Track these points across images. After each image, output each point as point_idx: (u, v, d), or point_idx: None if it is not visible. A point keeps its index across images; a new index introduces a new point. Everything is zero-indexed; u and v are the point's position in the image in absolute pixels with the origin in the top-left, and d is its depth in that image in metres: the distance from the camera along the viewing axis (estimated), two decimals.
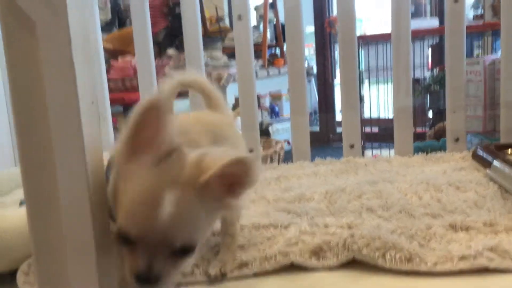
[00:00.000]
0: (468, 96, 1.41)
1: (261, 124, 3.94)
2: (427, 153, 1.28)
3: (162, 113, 0.47)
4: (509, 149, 1.12)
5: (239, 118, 1.40)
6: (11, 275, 0.65)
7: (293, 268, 0.70)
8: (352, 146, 1.33)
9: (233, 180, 0.49)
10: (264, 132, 3.63)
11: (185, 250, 0.49)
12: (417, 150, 1.32)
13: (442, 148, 1.35)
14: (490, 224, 0.79)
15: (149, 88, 1.42)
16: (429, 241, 0.75)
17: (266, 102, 4.17)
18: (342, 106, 1.35)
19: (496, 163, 1.02)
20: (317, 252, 0.72)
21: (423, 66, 2.89)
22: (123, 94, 2.58)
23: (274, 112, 4.17)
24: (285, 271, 0.70)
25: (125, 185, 0.48)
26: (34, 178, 0.48)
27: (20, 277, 0.64)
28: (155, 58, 2.85)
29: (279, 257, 0.71)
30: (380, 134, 2.96)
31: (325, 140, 3.58)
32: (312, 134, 3.98)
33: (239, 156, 0.49)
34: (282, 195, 1.02)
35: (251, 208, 0.95)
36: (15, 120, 0.48)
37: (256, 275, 0.69)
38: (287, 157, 1.41)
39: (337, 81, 3.96)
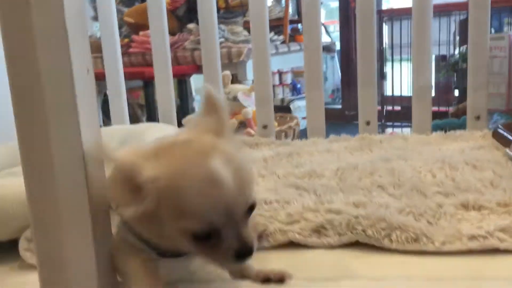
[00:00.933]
0: (491, 72, 1.36)
1: (282, 100, 3.91)
2: (446, 131, 1.25)
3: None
4: None
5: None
6: (10, 244, 0.66)
7: (293, 244, 0.69)
8: (368, 123, 1.30)
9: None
10: (286, 109, 3.60)
11: (252, 207, 0.50)
12: (435, 128, 1.29)
13: (463, 126, 1.31)
14: (504, 204, 0.76)
15: (164, 64, 1.41)
16: (439, 220, 0.73)
17: (288, 79, 4.12)
18: (359, 82, 1.31)
19: None
20: (319, 230, 0.71)
21: (449, 43, 2.79)
22: (143, 69, 2.59)
23: (295, 89, 4.13)
24: (285, 247, 0.69)
25: (180, 199, 0.47)
26: (29, 148, 0.48)
27: (22, 243, 0.65)
28: (175, 33, 2.86)
29: (278, 235, 0.70)
30: (402, 112, 2.90)
31: (346, 118, 3.53)
32: (334, 111, 3.93)
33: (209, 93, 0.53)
34: (292, 171, 1.00)
35: (260, 184, 0.95)
36: (10, 88, 0.47)
37: None
38: (303, 134, 1.39)
39: None
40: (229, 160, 0.48)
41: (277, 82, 4.07)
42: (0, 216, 0.64)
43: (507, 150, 1.00)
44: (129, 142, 1.17)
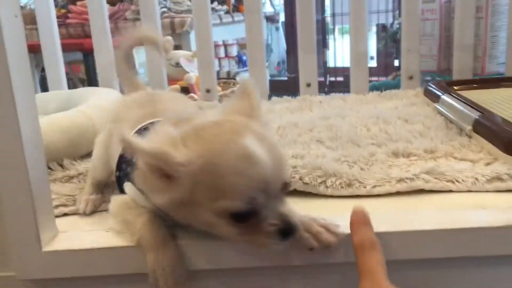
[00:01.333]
0: (423, 35, 1.42)
1: (228, 73, 3.90)
2: (382, 91, 1.30)
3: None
4: (457, 86, 1.15)
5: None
6: None
7: None
8: (308, 85, 1.33)
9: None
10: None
11: (286, 185, 0.49)
12: (372, 89, 1.34)
13: (398, 86, 1.37)
14: (430, 151, 0.82)
15: (102, 34, 1.37)
16: (371, 167, 0.77)
17: (234, 51, 4.10)
18: (299, 46, 1.34)
19: (444, 97, 1.05)
20: None
21: (388, 12, 2.87)
22: (82, 40, 2.50)
23: (241, 62, 4.12)
24: None
25: (217, 179, 0.45)
26: None
27: None
28: (115, 3, 2.77)
29: None
30: (344, 82, 2.98)
31: (292, 90, 3.57)
32: (281, 82, 3.94)
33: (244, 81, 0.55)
34: None
35: None
36: None
37: None
38: None
39: None
40: (262, 139, 0.48)
41: (222, 54, 4.04)
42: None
43: (436, 105, 1.06)
44: (68, 106, 1.15)
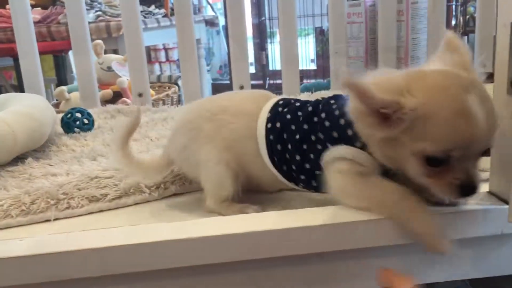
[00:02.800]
0: (351, 37, 1.47)
1: (170, 77, 3.86)
2: (313, 92, 1.34)
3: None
4: None
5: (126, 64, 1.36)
6: None
7: None
8: (241, 87, 1.35)
9: None
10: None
11: (489, 149, 0.52)
12: (304, 89, 1.37)
13: (328, 87, 1.41)
14: None
15: (27, 38, 1.33)
16: None
17: (175, 55, 4.07)
18: (230, 51, 1.36)
19: None
20: None
21: (323, 16, 2.96)
22: (13, 45, 2.40)
23: None
24: None
25: (430, 124, 0.48)
26: None
27: None
28: (47, 7, 2.68)
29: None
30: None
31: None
32: (223, 86, 3.94)
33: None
34: (166, 133, 1.02)
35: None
36: None
37: None
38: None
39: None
40: (484, 100, 0.49)
41: (163, 59, 4.00)
42: None
43: None
44: None
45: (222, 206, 0.66)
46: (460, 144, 0.48)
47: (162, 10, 2.83)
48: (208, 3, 3.91)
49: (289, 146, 0.61)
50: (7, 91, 3.21)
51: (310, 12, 2.98)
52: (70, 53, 2.91)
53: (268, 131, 0.63)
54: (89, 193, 0.71)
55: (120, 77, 1.61)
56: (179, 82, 3.68)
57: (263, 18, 3.27)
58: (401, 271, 0.48)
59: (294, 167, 0.62)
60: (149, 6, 2.80)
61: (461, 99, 0.48)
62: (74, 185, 0.72)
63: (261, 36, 3.24)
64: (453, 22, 2.80)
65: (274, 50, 3.04)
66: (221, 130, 0.65)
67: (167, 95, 1.48)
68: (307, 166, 0.60)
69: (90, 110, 1.16)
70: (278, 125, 0.63)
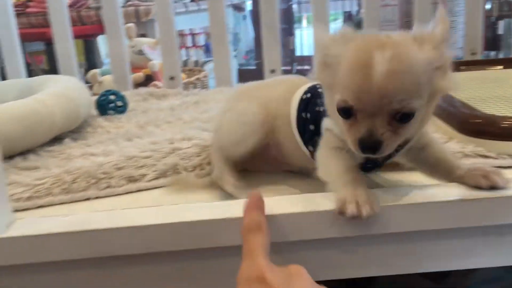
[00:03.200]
0: (384, 20, 1.44)
1: (196, 63, 3.87)
2: None
3: None
4: None
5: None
6: None
7: None
8: (273, 71, 1.34)
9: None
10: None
11: (404, 116, 0.50)
12: None
13: None
14: None
15: (62, 22, 1.34)
16: None
17: (201, 40, 4.07)
18: (262, 34, 1.34)
19: None
20: None
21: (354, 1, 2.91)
22: (44, 30, 2.43)
23: (209, 51, 4.09)
24: None
25: (341, 74, 0.51)
26: None
27: None
28: None
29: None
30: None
31: (259, 78, 3.58)
32: (249, 71, 3.93)
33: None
34: (199, 116, 1.02)
35: (166, 129, 0.96)
36: None
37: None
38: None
39: None
40: (400, 61, 0.48)
41: (190, 44, 4.01)
42: None
43: None
44: (28, 95, 1.12)
45: (225, 169, 0.67)
46: (355, 94, 0.49)
47: None
48: None
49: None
50: (37, 76, 3.27)
51: None
52: (99, 37, 2.95)
53: (299, 108, 0.64)
54: (127, 173, 0.72)
55: (151, 60, 1.62)
56: (205, 67, 3.71)
57: (290, 3, 3.24)
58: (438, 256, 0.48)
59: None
60: None
61: (364, 54, 0.49)
62: (113, 165, 0.73)
63: (288, 21, 3.21)
64: (488, 6, 2.72)
65: (302, 35, 3.02)
66: (261, 91, 0.71)
67: (198, 79, 1.48)
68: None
69: (122, 93, 1.17)
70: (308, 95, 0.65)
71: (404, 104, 0.49)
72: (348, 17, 3.45)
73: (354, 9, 3.15)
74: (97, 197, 0.69)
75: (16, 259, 0.56)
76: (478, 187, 0.56)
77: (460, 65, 1.23)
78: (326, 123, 0.60)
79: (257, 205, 0.52)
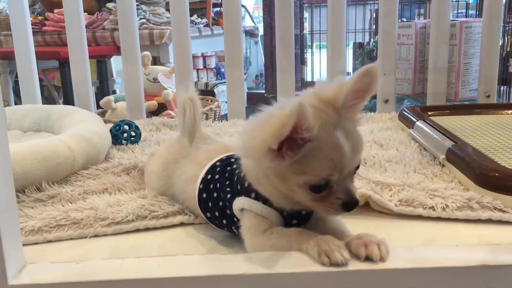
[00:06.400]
0: (399, 59, 1.45)
1: (206, 85, 3.89)
2: None
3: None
4: (431, 112, 1.17)
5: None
6: None
7: None
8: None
9: (361, 93, 0.56)
10: (210, 93, 3.59)
11: (358, 166, 0.58)
12: None
13: (373, 109, 1.39)
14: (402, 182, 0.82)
15: (79, 44, 1.36)
16: None
17: (212, 63, 4.11)
18: (278, 67, 1.35)
19: (418, 123, 1.07)
20: None
21: (366, 32, 2.93)
22: (59, 48, 2.46)
23: (220, 73, 4.12)
24: None
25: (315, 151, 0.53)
26: None
27: None
28: (94, 12, 2.74)
29: None
30: None
31: (270, 103, 3.59)
32: (258, 96, 3.94)
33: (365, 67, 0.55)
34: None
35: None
36: None
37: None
38: (225, 119, 1.41)
39: None
40: (349, 132, 0.55)
41: (201, 66, 4.04)
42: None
43: (411, 130, 1.08)
44: (45, 124, 1.12)
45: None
46: (334, 170, 0.54)
47: (204, 20, 2.86)
48: (248, 13, 3.93)
49: (215, 194, 0.66)
50: (49, 91, 3.30)
51: (351, 28, 2.97)
52: (112, 58, 2.98)
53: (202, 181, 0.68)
54: (135, 211, 0.72)
55: (166, 89, 1.63)
56: (215, 90, 3.73)
57: (303, 33, 3.27)
58: None
59: (217, 214, 0.66)
60: (191, 16, 2.83)
61: (333, 135, 0.54)
62: (121, 202, 0.73)
63: (300, 48, 3.24)
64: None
65: (313, 61, 3.04)
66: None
67: (211, 109, 1.48)
68: (228, 212, 0.65)
69: (135, 122, 1.17)
70: (209, 176, 0.68)
71: (359, 160, 0.58)
72: (359, 46, 3.46)
73: (365, 39, 3.17)
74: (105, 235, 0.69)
75: None
76: (356, 256, 0.56)
77: (474, 108, 1.23)
78: (240, 203, 0.61)
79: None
